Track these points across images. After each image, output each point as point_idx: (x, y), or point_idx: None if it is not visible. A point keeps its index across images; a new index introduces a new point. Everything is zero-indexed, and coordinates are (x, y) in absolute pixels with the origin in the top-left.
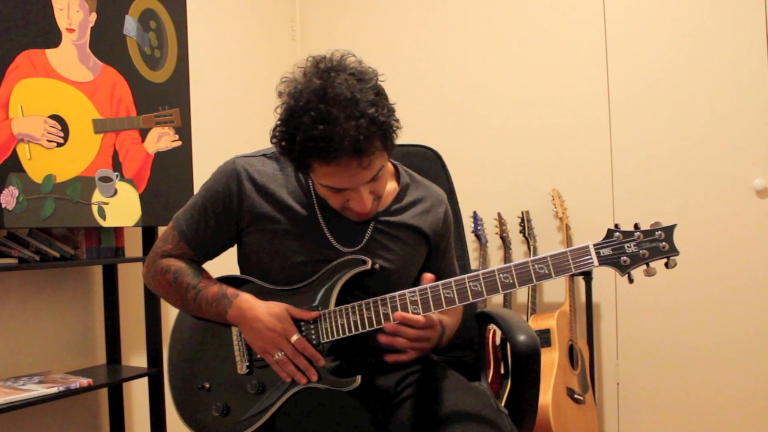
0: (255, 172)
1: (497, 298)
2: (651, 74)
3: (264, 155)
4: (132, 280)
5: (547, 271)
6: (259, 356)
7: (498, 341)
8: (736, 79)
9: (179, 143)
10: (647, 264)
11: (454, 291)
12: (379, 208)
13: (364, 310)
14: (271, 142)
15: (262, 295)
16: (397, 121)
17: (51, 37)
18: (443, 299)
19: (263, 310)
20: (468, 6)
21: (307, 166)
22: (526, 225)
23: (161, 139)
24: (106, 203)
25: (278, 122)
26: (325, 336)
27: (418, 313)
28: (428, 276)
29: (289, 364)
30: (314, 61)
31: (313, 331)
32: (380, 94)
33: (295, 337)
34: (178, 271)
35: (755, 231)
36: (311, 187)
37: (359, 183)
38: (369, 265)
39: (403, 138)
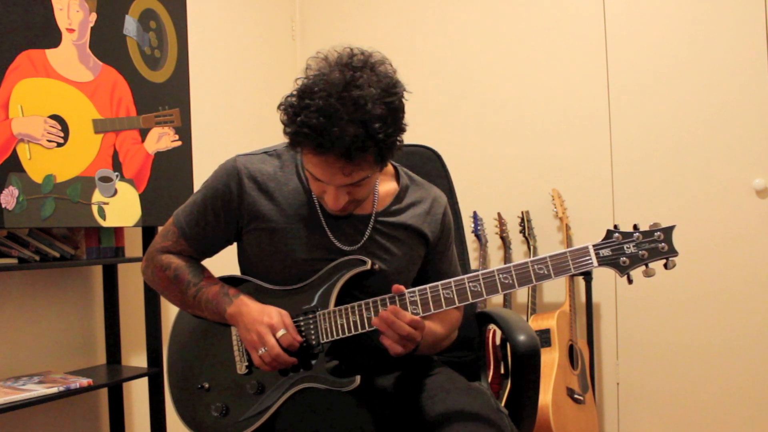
0: (256, 171)
1: (497, 298)
2: (651, 74)
3: (265, 153)
4: (132, 280)
5: (546, 272)
6: None
7: (498, 341)
8: (736, 79)
9: (179, 143)
10: (646, 265)
11: (454, 291)
12: (378, 209)
13: (364, 310)
14: (278, 109)
15: (261, 294)
16: (400, 141)
17: (51, 37)
18: (443, 299)
19: (258, 310)
20: (468, 6)
21: (299, 147)
22: (526, 225)
23: (161, 139)
24: (106, 203)
25: (292, 93)
26: (324, 336)
27: (418, 314)
28: (396, 286)
29: (272, 360)
30: (350, 53)
31: (312, 332)
32: (395, 110)
33: (280, 333)
34: (178, 269)
35: (755, 231)
36: None
37: (337, 183)
38: (368, 266)
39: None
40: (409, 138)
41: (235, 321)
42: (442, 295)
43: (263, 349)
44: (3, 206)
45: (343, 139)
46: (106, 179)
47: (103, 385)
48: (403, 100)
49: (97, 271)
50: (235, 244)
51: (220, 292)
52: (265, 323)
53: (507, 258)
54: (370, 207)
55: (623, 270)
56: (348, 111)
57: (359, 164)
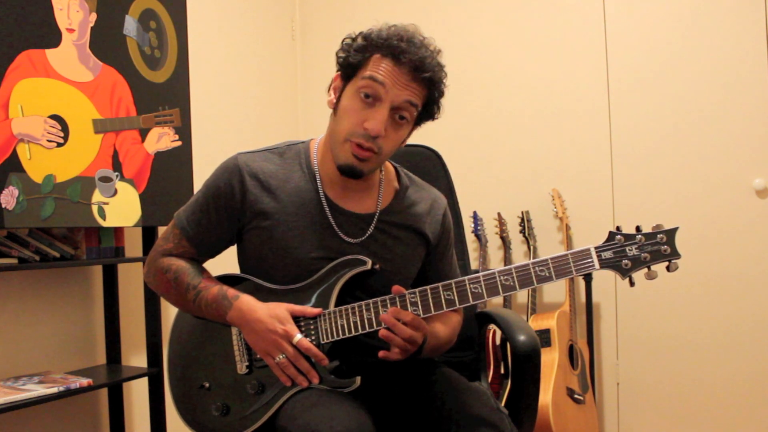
0: (257, 168)
1: (497, 299)
2: (651, 74)
3: (267, 150)
4: (132, 280)
5: (548, 274)
6: (258, 356)
7: (498, 341)
8: (735, 78)
9: (179, 143)
10: (648, 267)
11: (455, 293)
12: (382, 207)
13: (364, 311)
14: (337, 56)
15: (261, 294)
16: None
17: (51, 37)
18: (443, 301)
19: (264, 312)
20: (468, 6)
21: (367, 57)
22: (526, 225)
23: (161, 139)
24: (106, 203)
25: (350, 36)
26: (324, 336)
27: (418, 314)
28: (396, 287)
29: (291, 366)
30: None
31: (313, 332)
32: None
33: (297, 338)
34: (178, 271)
35: (755, 231)
36: (317, 180)
37: (395, 96)
38: (369, 265)
39: None
40: (409, 138)
41: (237, 324)
42: (442, 297)
43: (281, 357)
44: (3, 206)
45: (421, 53)
46: (106, 179)
47: (103, 385)
48: None
49: (97, 271)
50: (235, 245)
51: (219, 294)
52: (279, 331)
53: (507, 258)
54: (374, 205)
55: (625, 273)
56: (421, 40)
57: (428, 77)
